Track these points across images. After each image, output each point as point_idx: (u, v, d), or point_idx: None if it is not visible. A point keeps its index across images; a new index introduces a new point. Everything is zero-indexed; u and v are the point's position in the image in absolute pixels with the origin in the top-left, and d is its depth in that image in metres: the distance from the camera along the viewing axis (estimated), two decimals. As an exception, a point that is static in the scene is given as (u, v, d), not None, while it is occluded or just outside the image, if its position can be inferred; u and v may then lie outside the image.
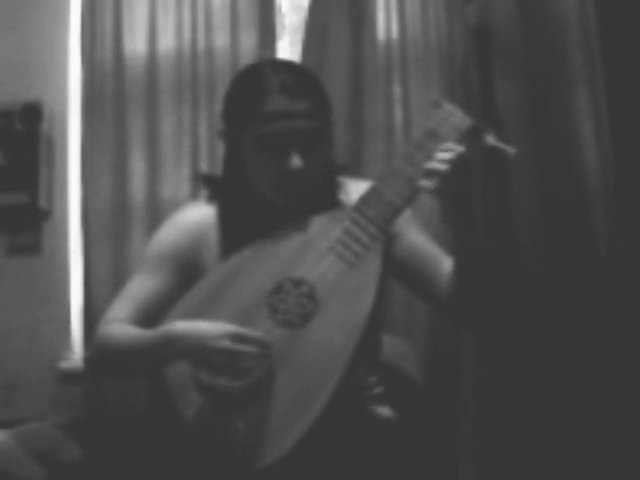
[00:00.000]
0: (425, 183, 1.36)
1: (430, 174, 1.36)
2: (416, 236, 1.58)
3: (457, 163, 1.35)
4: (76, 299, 2.67)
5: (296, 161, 1.43)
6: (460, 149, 1.36)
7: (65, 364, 2.62)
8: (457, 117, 1.41)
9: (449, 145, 1.38)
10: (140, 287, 1.54)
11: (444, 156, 1.36)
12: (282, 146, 1.44)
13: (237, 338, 1.33)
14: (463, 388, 2.46)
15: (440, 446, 2.39)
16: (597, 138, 2.46)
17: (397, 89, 2.59)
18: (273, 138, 1.44)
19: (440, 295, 1.52)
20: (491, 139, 1.37)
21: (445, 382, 2.45)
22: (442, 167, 1.35)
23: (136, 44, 2.62)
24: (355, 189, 1.52)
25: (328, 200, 1.53)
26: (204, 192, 1.64)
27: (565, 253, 2.42)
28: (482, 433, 2.41)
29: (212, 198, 1.59)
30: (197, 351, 1.35)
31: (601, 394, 2.34)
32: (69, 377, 2.59)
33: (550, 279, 2.41)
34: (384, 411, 1.56)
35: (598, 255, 2.41)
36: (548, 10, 2.51)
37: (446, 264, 1.52)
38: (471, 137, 1.37)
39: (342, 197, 1.56)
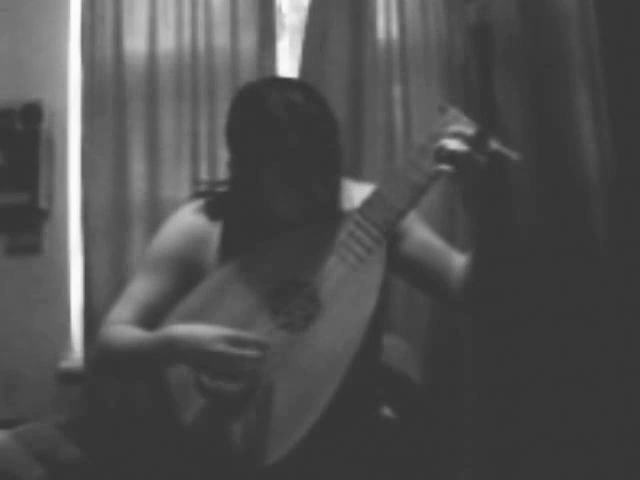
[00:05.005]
0: (445, 167, 1.33)
1: (448, 157, 1.33)
2: (424, 233, 1.57)
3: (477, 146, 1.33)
4: (76, 299, 2.67)
5: (319, 189, 1.44)
6: (470, 131, 1.35)
7: (65, 364, 2.62)
8: (462, 122, 1.39)
9: (458, 128, 1.36)
10: (141, 289, 1.54)
11: (454, 139, 1.33)
12: (303, 175, 1.43)
13: (233, 341, 1.33)
14: (463, 388, 2.46)
15: (440, 446, 2.39)
16: (597, 138, 2.46)
17: (397, 89, 2.58)
18: (295, 171, 1.43)
19: (452, 289, 1.50)
20: (495, 144, 1.36)
21: (445, 382, 2.45)
22: (461, 148, 1.32)
23: (136, 44, 2.61)
24: (358, 192, 1.52)
25: (332, 204, 1.53)
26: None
27: (565, 253, 2.42)
28: (483, 433, 2.41)
29: (217, 215, 1.58)
30: (194, 355, 1.35)
31: (602, 394, 2.34)
32: (69, 377, 2.59)
33: (550, 278, 2.41)
34: (384, 412, 1.56)
35: (598, 254, 2.42)
36: (548, 10, 2.51)
37: (457, 259, 1.51)
38: (476, 142, 1.36)
39: (345, 200, 1.55)
